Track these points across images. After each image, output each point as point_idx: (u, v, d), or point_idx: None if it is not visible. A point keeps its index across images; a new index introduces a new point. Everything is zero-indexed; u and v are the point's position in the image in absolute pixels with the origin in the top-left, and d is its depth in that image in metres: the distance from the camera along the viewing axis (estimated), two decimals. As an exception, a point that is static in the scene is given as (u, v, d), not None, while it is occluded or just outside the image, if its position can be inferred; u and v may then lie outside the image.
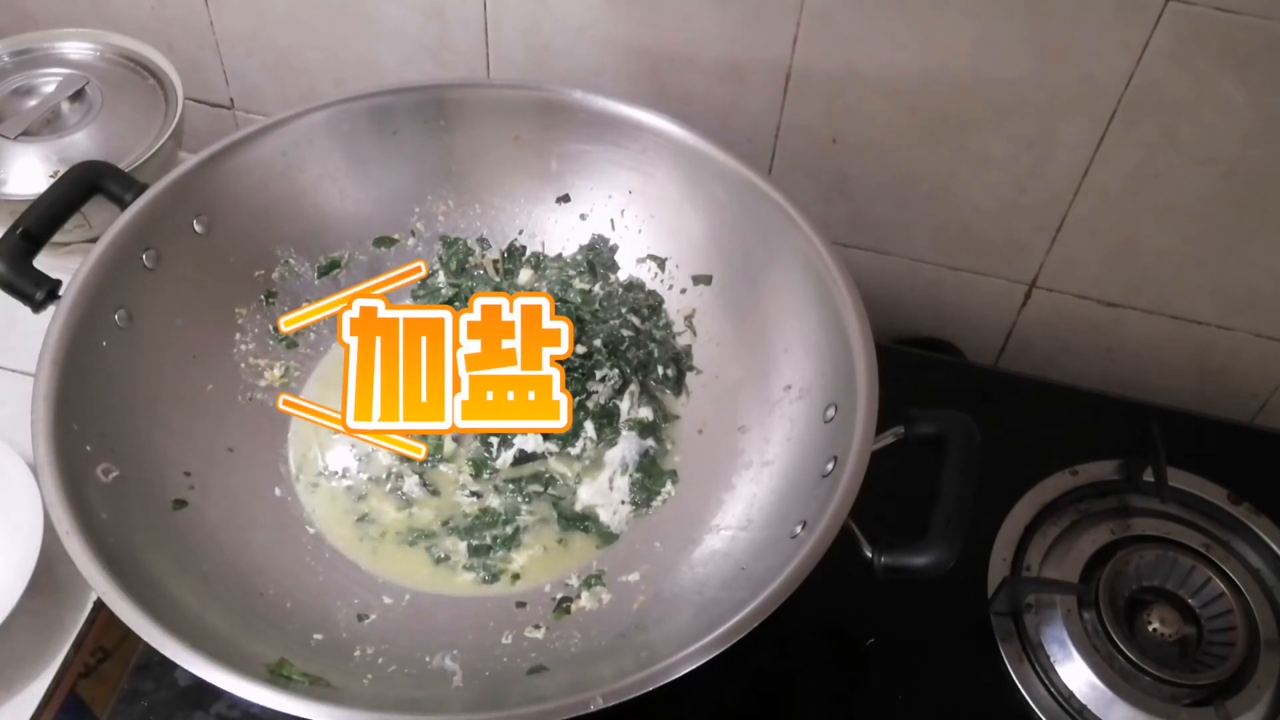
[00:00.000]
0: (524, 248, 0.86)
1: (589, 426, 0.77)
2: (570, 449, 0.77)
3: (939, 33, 0.81)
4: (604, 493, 0.75)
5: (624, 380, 0.78)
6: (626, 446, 0.77)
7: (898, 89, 0.85)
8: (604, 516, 0.75)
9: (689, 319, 0.82)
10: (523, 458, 0.77)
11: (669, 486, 0.76)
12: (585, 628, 0.68)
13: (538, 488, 0.76)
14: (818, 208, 0.94)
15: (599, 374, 0.78)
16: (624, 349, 0.79)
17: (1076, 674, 0.73)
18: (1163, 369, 0.99)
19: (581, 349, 0.78)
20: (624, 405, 0.78)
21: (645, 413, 0.78)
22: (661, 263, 0.84)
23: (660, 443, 0.78)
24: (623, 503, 0.75)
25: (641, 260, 0.84)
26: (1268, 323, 0.93)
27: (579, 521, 0.74)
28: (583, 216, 0.85)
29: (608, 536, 0.74)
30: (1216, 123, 0.80)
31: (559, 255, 0.86)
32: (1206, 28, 0.75)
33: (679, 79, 0.90)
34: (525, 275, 0.85)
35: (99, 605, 0.72)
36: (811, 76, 0.86)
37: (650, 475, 0.76)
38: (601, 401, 0.77)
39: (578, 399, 0.76)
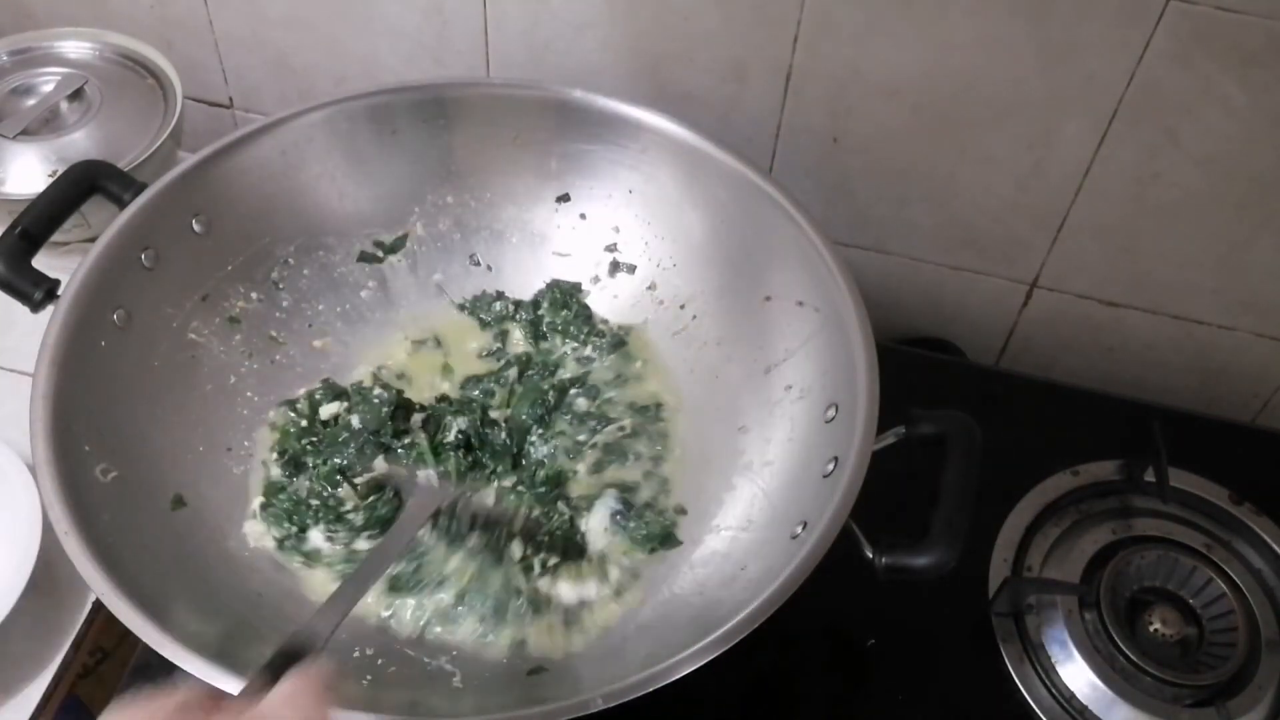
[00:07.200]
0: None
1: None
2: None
3: (940, 32, 0.80)
4: (595, 589, 0.70)
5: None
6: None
7: (899, 88, 0.85)
8: (585, 619, 0.69)
9: (683, 308, 0.82)
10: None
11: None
12: (585, 628, 0.68)
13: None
14: (818, 207, 0.94)
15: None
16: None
17: (1077, 674, 0.73)
18: (1164, 369, 0.99)
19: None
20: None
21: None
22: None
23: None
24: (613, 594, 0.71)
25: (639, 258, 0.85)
26: (1268, 323, 0.93)
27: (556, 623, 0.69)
28: (583, 216, 0.85)
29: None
30: (1217, 123, 0.80)
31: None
32: (1208, 27, 0.75)
33: (679, 78, 0.90)
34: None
35: (98, 606, 0.71)
36: (812, 76, 0.86)
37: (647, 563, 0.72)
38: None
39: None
